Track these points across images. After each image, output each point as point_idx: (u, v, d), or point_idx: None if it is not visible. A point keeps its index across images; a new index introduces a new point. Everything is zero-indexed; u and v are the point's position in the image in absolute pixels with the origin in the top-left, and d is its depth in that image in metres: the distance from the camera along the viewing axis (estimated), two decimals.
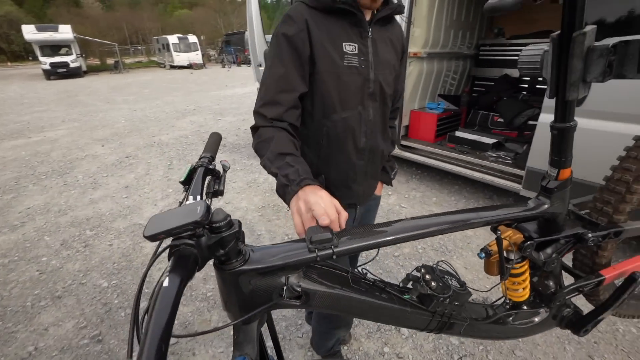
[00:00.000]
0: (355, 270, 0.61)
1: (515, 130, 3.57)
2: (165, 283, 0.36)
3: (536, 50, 0.55)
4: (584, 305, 0.84)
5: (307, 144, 0.97)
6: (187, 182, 0.65)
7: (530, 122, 3.41)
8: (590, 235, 0.64)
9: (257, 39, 3.29)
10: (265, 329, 0.68)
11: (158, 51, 26.66)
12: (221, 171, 0.71)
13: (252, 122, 0.87)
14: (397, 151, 3.56)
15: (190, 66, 22.97)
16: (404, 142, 3.60)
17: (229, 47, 26.19)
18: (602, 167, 0.74)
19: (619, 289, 0.70)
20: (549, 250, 0.67)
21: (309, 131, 0.95)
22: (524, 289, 0.72)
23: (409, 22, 3.07)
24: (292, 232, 2.75)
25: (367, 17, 0.91)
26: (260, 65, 3.32)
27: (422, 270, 0.63)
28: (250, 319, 0.50)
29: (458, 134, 3.54)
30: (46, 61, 17.28)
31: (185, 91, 11.60)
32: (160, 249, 0.49)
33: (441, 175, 3.76)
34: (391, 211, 3.07)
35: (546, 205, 0.63)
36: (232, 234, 0.45)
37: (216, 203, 3.09)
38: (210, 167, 0.68)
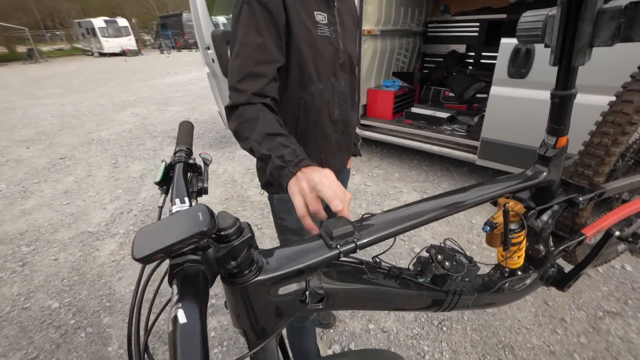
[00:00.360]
0: (370, 259, 0.57)
1: (466, 103, 3.76)
2: (182, 318, 0.28)
3: (538, 16, 0.53)
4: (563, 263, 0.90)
5: (283, 119, 0.89)
6: (164, 183, 0.55)
7: (479, 95, 3.61)
8: (580, 198, 0.67)
9: (203, 20, 3.02)
10: None
11: (82, 37, 23.67)
12: (202, 165, 0.61)
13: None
14: (357, 130, 3.58)
15: (123, 53, 20.79)
16: (363, 121, 3.62)
17: (166, 31, 24.06)
18: (578, 138, 0.78)
19: (597, 245, 0.75)
20: (545, 217, 0.69)
21: (285, 105, 0.89)
22: (519, 256, 0.74)
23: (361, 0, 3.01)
24: (261, 223, 2.65)
25: None
26: (208, 48, 3.06)
27: (432, 251, 0.61)
28: (269, 332, 0.44)
29: (414, 110, 3.64)
30: None
31: (121, 81, 10.50)
32: (150, 270, 0.40)
33: (400, 152, 3.87)
34: (357, 190, 3.10)
35: (544, 174, 0.64)
36: (244, 241, 0.37)
37: None
38: (190, 161, 0.59)
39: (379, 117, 3.69)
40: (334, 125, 0.97)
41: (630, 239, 0.72)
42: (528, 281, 0.82)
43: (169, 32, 23.76)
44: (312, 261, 0.42)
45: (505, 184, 0.63)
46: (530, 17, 0.54)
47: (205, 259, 0.36)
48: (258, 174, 1.05)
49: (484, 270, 0.86)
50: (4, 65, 17.86)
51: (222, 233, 0.36)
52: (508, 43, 2.22)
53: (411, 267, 0.63)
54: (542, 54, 2.15)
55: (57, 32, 33.47)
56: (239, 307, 0.41)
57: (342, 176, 1.20)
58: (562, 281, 0.82)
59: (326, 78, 0.90)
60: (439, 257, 0.60)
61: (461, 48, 4.10)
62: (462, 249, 0.66)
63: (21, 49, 21.67)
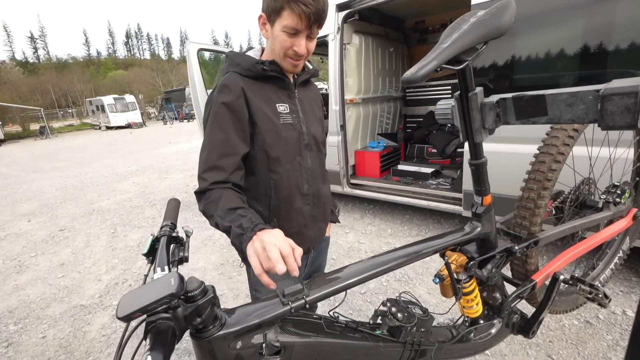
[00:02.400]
0: (327, 314, 0.64)
1: (448, 158, 3.99)
2: None
3: (446, 105, 0.69)
4: (530, 311, 0.95)
5: (256, 198, 1.01)
6: (150, 254, 0.65)
7: (459, 150, 3.86)
8: (517, 247, 0.76)
9: (200, 94, 3.42)
10: None
11: (92, 113, 25.40)
12: (184, 237, 0.71)
13: None
14: (347, 189, 3.73)
15: (128, 125, 22.12)
16: (353, 181, 3.80)
17: (170, 104, 25.97)
18: (518, 183, 0.90)
19: (547, 290, 0.82)
20: (489, 266, 0.77)
21: (256, 187, 1.00)
22: (477, 304, 0.80)
23: (342, 74, 3.41)
24: None
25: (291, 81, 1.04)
26: None
27: (388, 304, 0.69)
28: None
29: (400, 167, 3.85)
30: None
31: (125, 152, 11.04)
32: (130, 329, 0.48)
33: (392, 208, 3.98)
34: (351, 248, 3.14)
35: (479, 228, 0.74)
36: (207, 301, 0.46)
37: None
38: (173, 234, 0.69)
39: (368, 175, 3.88)
40: (305, 198, 1.05)
41: (570, 282, 0.79)
42: (493, 330, 0.87)
43: (172, 105, 25.60)
44: (267, 316, 0.50)
45: (447, 238, 0.72)
46: (442, 105, 0.70)
47: (175, 316, 0.44)
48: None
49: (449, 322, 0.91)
50: (16, 142, 18.83)
51: (190, 294, 0.46)
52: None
53: (370, 322, 0.69)
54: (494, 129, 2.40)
55: (69, 110, 35.95)
56: (204, 357, 0.48)
57: (322, 245, 1.26)
58: (525, 327, 0.87)
59: (292, 158, 1.00)
60: (393, 309, 0.68)
61: None
62: (417, 301, 0.73)
63: (34, 126, 23.06)
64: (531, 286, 0.82)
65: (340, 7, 3.27)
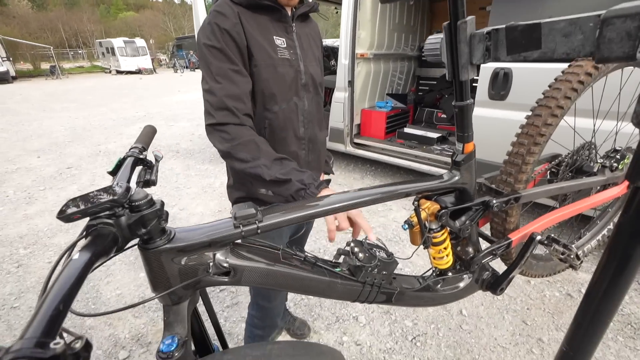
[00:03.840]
0: (289, 249, 0.64)
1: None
2: (75, 256, 0.36)
3: (436, 39, 0.62)
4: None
5: None
6: (114, 173, 0.64)
7: None
8: (494, 201, 0.74)
9: None
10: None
11: (102, 55, 24.91)
12: (153, 161, 0.70)
13: None
14: (350, 149, 3.68)
15: (139, 71, 21.74)
16: (356, 140, 3.73)
17: (181, 52, 25.21)
18: (505, 149, 0.86)
19: (522, 249, 0.80)
20: (463, 218, 0.75)
21: None
22: (447, 256, 0.80)
23: (355, 25, 3.19)
24: None
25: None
26: None
27: (352, 244, 0.68)
28: (179, 298, 0.51)
29: (406, 130, 3.74)
30: None
31: (134, 97, 10.95)
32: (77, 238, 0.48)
33: (393, 171, 3.94)
34: None
35: (457, 177, 0.71)
36: (153, 212, 0.46)
37: (170, 211, 2.96)
38: (141, 156, 0.68)
39: (372, 136, 3.80)
40: (300, 142, 1.02)
41: (545, 242, 0.77)
42: (462, 284, 0.87)
43: (183, 52, 24.85)
44: (216, 236, 0.50)
45: (422, 184, 0.70)
46: (432, 40, 0.64)
47: (118, 223, 0.44)
48: (229, 192, 1.10)
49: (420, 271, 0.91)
50: (27, 81, 18.78)
51: (135, 204, 0.45)
52: (486, 67, 2.33)
53: (332, 260, 0.69)
54: (520, 77, 2.25)
55: (80, 51, 35.26)
56: (151, 271, 0.49)
57: None
58: (494, 284, 0.87)
59: (288, 98, 0.96)
60: (356, 249, 0.67)
61: None
62: (384, 245, 0.72)
63: (45, 65, 22.84)
64: (506, 244, 0.81)
65: None
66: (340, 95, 3.52)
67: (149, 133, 0.79)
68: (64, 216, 0.40)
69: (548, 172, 1.02)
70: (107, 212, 0.43)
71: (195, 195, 3.50)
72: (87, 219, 0.43)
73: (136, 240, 0.48)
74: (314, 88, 1.04)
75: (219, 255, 0.51)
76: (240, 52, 0.86)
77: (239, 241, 0.56)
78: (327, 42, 4.98)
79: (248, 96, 0.88)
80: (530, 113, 0.80)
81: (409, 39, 4.20)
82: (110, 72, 23.10)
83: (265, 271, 0.56)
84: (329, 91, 3.87)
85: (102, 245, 0.40)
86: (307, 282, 0.61)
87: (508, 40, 0.50)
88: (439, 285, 0.84)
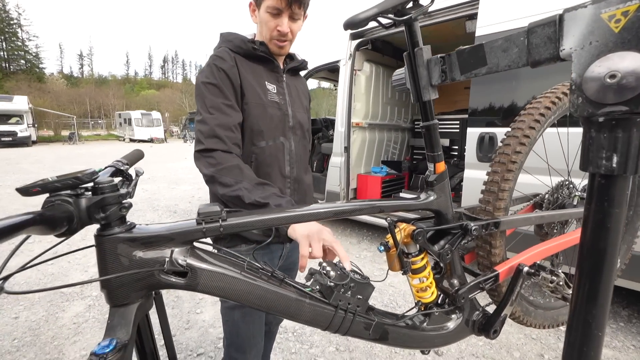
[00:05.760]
0: (256, 262, 0.61)
1: (452, 191, 3.92)
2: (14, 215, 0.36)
3: (401, 70, 0.70)
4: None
5: None
6: None
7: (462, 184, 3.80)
8: (472, 224, 0.72)
9: None
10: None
11: (119, 125, 26.80)
12: (134, 175, 0.72)
13: (207, 189, 0.93)
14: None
15: (151, 140, 23.07)
16: None
17: (192, 124, 27.14)
18: None
19: (510, 283, 0.76)
20: (442, 242, 0.73)
21: None
22: (429, 287, 0.75)
23: (350, 97, 3.52)
24: None
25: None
26: None
27: (324, 264, 0.65)
28: (127, 299, 0.48)
29: (402, 194, 3.80)
30: None
31: (142, 162, 11.33)
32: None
33: None
34: None
35: (432, 197, 0.72)
36: (114, 197, 0.46)
37: None
38: (122, 168, 0.69)
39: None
40: (286, 180, 1.04)
41: (532, 271, 0.73)
42: (451, 325, 0.80)
43: (194, 125, 26.72)
44: (175, 231, 0.49)
45: (397, 202, 0.70)
46: (398, 72, 0.71)
47: (76, 203, 0.44)
48: None
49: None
50: (46, 145, 19.84)
51: (97, 186, 0.45)
52: (473, 132, 2.49)
53: (305, 280, 0.66)
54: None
55: (99, 121, 37.95)
56: (102, 261, 0.46)
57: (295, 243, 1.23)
58: (486, 326, 0.80)
59: (275, 136, 1.02)
60: (328, 268, 0.64)
61: (445, 142, 4.49)
62: (359, 269, 0.69)
63: (65, 132, 24.38)
64: (493, 276, 0.77)
65: (353, 36, 3.44)
66: (337, 160, 3.67)
67: (136, 155, 0.82)
68: (22, 188, 0.40)
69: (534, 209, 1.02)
70: (68, 192, 0.44)
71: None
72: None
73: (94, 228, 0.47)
74: (301, 132, 1.10)
75: (177, 253, 0.49)
76: (234, 90, 0.94)
77: (203, 245, 0.55)
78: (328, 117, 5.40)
79: (238, 128, 0.93)
80: (501, 144, 0.84)
81: (401, 112, 4.56)
82: (124, 140, 24.53)
83: (226, 278, 0.53)
84: (326, 157, 4.04)
85: (53, 220, 0.40)
86: (272, 298, 0.57)
87: (460, 62, 0.57)
88: (425, 324, 0.77)
